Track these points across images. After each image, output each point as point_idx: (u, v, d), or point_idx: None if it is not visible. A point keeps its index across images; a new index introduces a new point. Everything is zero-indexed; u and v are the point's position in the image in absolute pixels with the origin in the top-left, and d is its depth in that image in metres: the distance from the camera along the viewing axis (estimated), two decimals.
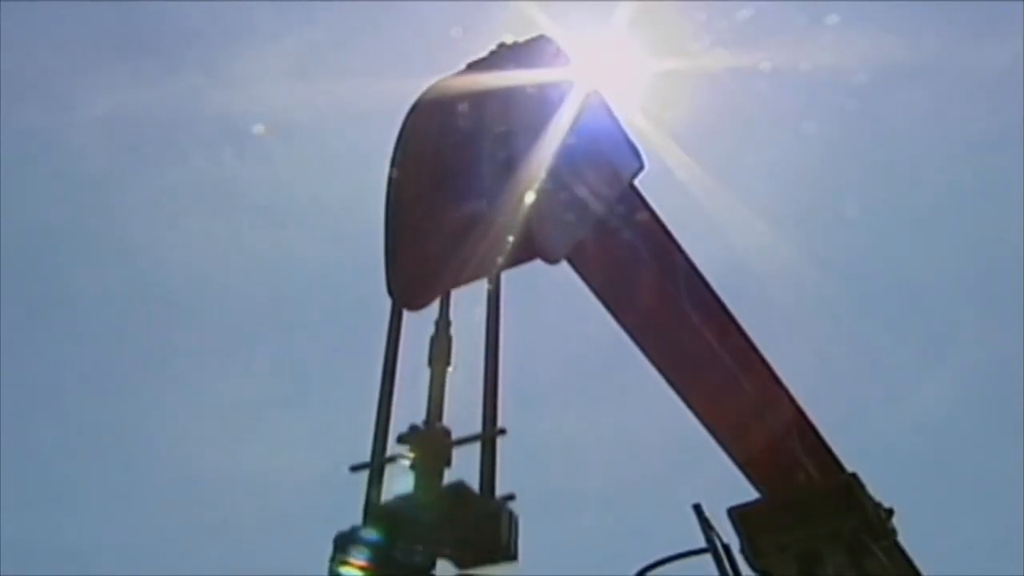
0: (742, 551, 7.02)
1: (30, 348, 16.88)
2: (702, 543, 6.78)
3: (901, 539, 7.33)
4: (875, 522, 7.04)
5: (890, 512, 7.21)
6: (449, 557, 3.30)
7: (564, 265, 5.48)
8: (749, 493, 7.21)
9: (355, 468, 3.57)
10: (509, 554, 3.26)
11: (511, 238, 3.92)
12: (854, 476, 7.23)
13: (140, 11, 16.92)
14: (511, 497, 3.32)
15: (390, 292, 4.15)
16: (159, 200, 17.89)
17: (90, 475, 17.16)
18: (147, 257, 17.95)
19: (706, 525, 6.79)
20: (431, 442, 3.47)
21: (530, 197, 4.03)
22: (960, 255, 18.35)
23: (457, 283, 4.02)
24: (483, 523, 3.26)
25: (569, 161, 4.53)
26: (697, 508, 6.86)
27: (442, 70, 4.85)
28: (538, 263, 4.26)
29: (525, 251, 4.02)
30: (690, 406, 6.51)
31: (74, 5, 16.69)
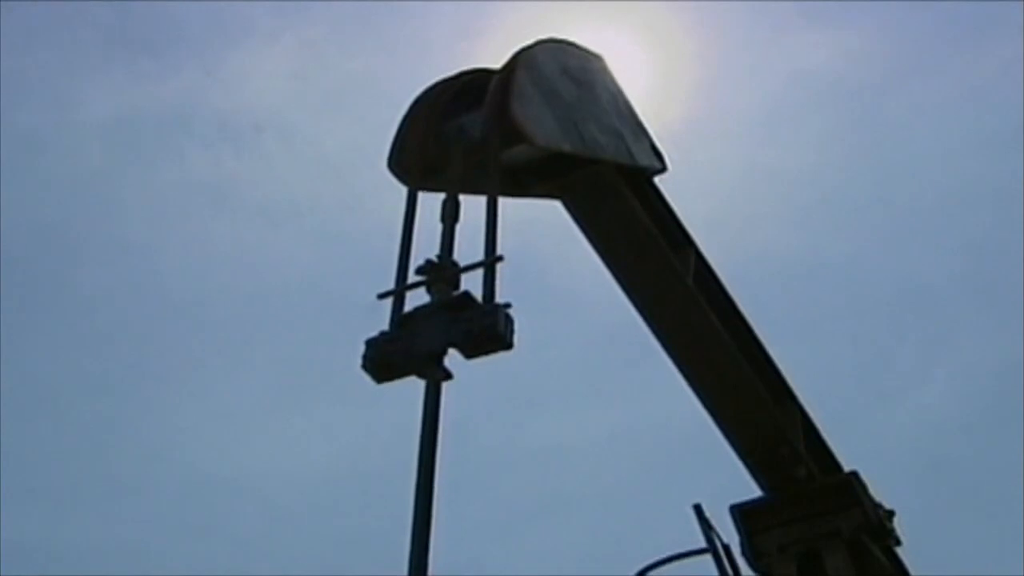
0: (742, 551, 7.03)
1: (30, 348, 16.89)
2: (702, 543, 6.78)
3: (903, 543, 7.33)
4: (875, 522, 7.04)
5: (891, 514, 7.21)
6: (456, 345, 4.06)
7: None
8: (749, 494, 7.21)
9: (382, 295, 4.32)
10: (505, 343, 4.02)
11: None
12: (854, 474, 7.23)
13: (139, 11, 16.95)
14: (508, 304, 4.06)
15: (392, 170, 4.83)
16: (158, 199, 17.90)
17: (90, 475, 17.16)
18: (146, 256, 17.97)
19: (706, 525, 6.79)
20: (442, 269, 4.29)
21: (524, 97, 4.71)
22: (960, 254, 18.37)
23: (460, 190, 4.63)
24: (483, 318, 4.05)
25: (574, 103, 5.10)
26: (697, 508, 6.86)
27: (441, 70, 4.86)
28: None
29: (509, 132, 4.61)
30: (694, 389, 6.52)
31: (74, 5, 16.72)
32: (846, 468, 7.32)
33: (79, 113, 17.83)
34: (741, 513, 7.12)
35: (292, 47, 18.01)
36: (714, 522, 6.87)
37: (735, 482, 7.15)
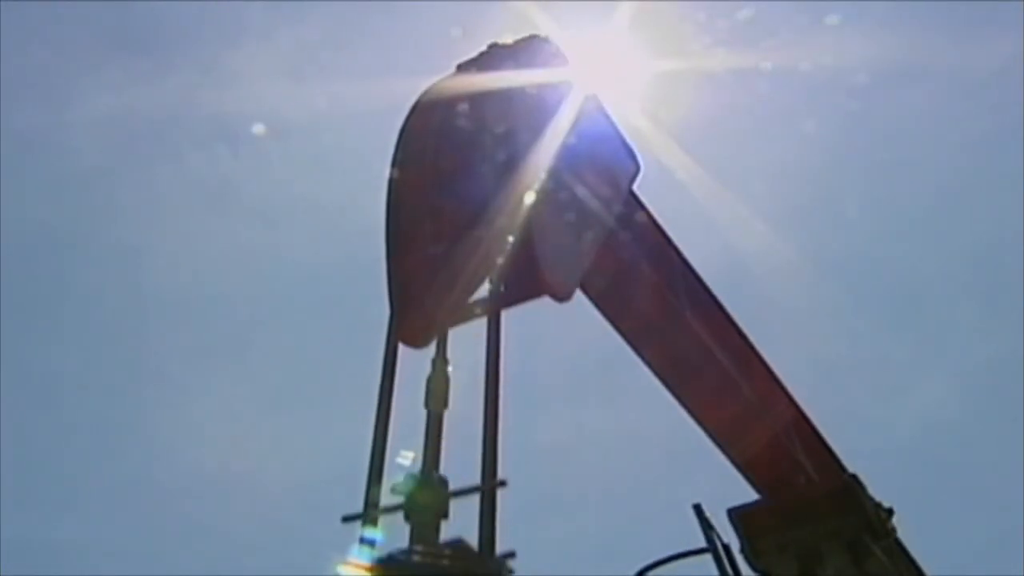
0: (742, 551, 7.01)
1: (29, 348, 16.87)
2: (702, 543, 6.76)
3: (901, 539, 7.32)
4: (875, 522, 7.03)
5: (890, 512, 7.20)
6: None
7: None
8: (749, 493, 7.20)
9: (347, 519, 3.43)
10: None
11: (512, 275, 3.81)
12: (854, 477, 7.22)
13: (136, 11, 16.91)
14: (511, 555, 3.14)
15: (401, 339, 3.99)
16: (155, 199, 17.88)
17: (90, 475, 17.15)
18: (144, 256, 17.94)
19: (706, 525, 6.77)
20: (427, 492, 3.33)
21: (533, 235, 3.89)
22: (959, 253, 18.36)
23: (456, 322, 3.90)
24: None
25: (570, 187, 4.39)
26: (697, 508, 6.83)
27: (439, 70, 4.83)
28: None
29: (532, 289, 3.88)
30: (689, 411, 6.50)
31: (71, 5, 16.68)
32: (846, 466, 7.32)
33: (76, 113, 17.80)
34: (740, 516, 7.10)
35: (289, 46, 17.98)
36: (714, 522, 6.85)
37: (734, 483, 7.14)
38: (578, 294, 5.56)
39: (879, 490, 7.29)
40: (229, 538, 16.87)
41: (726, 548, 6.81)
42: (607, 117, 5.16)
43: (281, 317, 17.92)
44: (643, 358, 6.04)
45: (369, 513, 3.36)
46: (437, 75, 4.80)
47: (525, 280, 3.78)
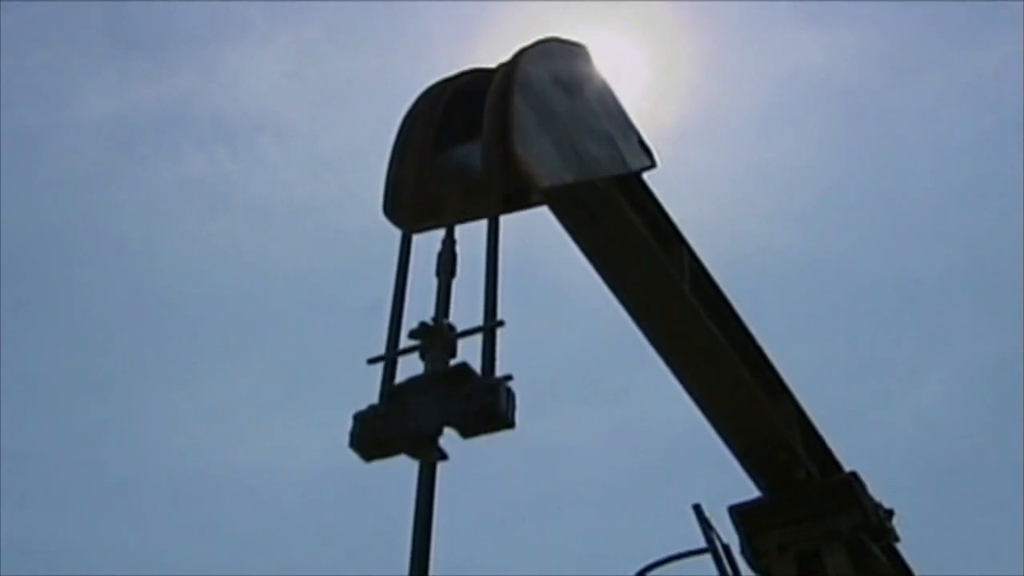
0: (742, 551, 7.02)
1: (29, 348, 16.87)
2: (702, 543, 6.78)
3: (901, 539, 7.32)
4: (875, 522, 7.03)
5: (890, 513, 7.20)
6: (453, 424, 3.76)
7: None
8: (748, 494, 7.20)
9: (372, 360, 4.01)
10: (507, 421, 3.71)
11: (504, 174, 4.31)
12: (854, 475, 7.22)
13: (135, 11, 16.93)
14: (509, 377, 3.76)
15: (389, 215, 4.52)
16: (154, 198, 17.91)
17: (90, 475, 17.16)
18: (142, 255, 17.97)
19: (706, 525, 6.79)
20: (437, 334, 3.98)
21: (524, 129, 4.41)
22: (956, 252, 18.37)
23: (458, 220, 4.40)
24: (483, 394, 3.72)
25: (569, 116, 4.86)
26: (697, 508, 6.85)
27: (437, 70, 4.85)
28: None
29: (517, 183, 4.37)
30: (691, 394, 6.52)
31: (70, 5, 16.71)
32: (845, 467, 7.32)
33: (75, 113, 17.84)
34: (740, 514, 7.12)
35: (288, 46, 18.03)
36: (714, 522, 6.87)
37: (734, 482, 7.15)
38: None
39: (878, 490, 7.29)
40: (229, 538, 16.88)
41: (726, 548, 6.83)
42: (623, 110, 5.45)
43: (279, 316, 17.95)
44: (648, 336, 6.15)
45: (390, 354, 4.00)
46: (437, 75, 4.81)
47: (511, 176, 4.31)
